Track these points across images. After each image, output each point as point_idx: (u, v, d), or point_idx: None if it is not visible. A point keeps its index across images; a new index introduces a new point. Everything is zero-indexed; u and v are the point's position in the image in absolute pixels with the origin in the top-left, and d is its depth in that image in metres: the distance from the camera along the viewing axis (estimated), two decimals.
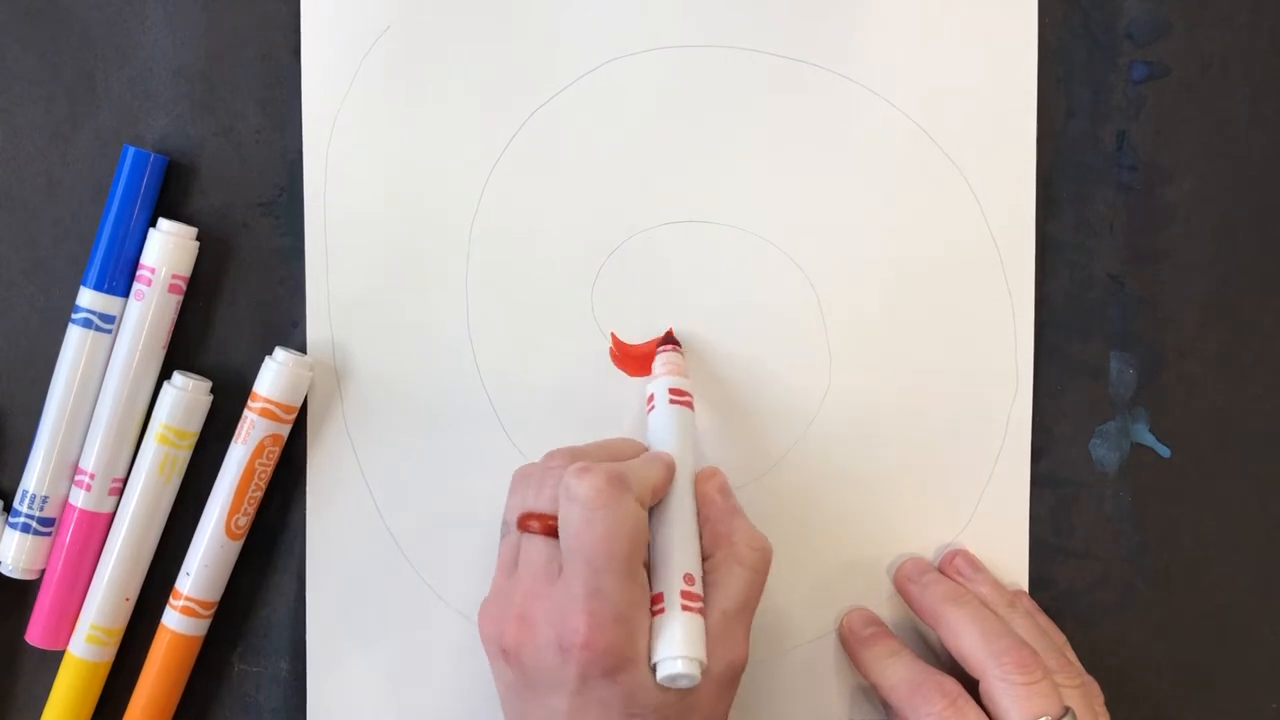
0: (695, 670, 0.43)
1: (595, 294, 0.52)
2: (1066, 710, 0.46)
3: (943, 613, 0.49)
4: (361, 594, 0.52)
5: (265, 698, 0.53)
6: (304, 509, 0.52)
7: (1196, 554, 0.53)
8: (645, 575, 0.44)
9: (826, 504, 0.52)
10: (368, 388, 0.52)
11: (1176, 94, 0.53)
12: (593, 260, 0.52)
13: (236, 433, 0.50)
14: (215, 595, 0.51)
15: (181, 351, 0.52)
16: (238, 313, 0.52)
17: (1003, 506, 0.53)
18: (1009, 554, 0.53)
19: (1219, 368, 0.53)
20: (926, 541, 0.53)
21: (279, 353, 0.50)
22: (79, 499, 0.50)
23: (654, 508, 0.46)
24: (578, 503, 0.43)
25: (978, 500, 0.53)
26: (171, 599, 0.50)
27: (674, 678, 0.43)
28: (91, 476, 0.50)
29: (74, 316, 0.50)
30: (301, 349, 0.52)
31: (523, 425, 0.52)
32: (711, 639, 0.44)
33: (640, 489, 0.44)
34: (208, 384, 0.51)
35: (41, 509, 0.50)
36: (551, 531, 0.44)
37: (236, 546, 0.50)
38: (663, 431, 0.48)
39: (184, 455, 0.50)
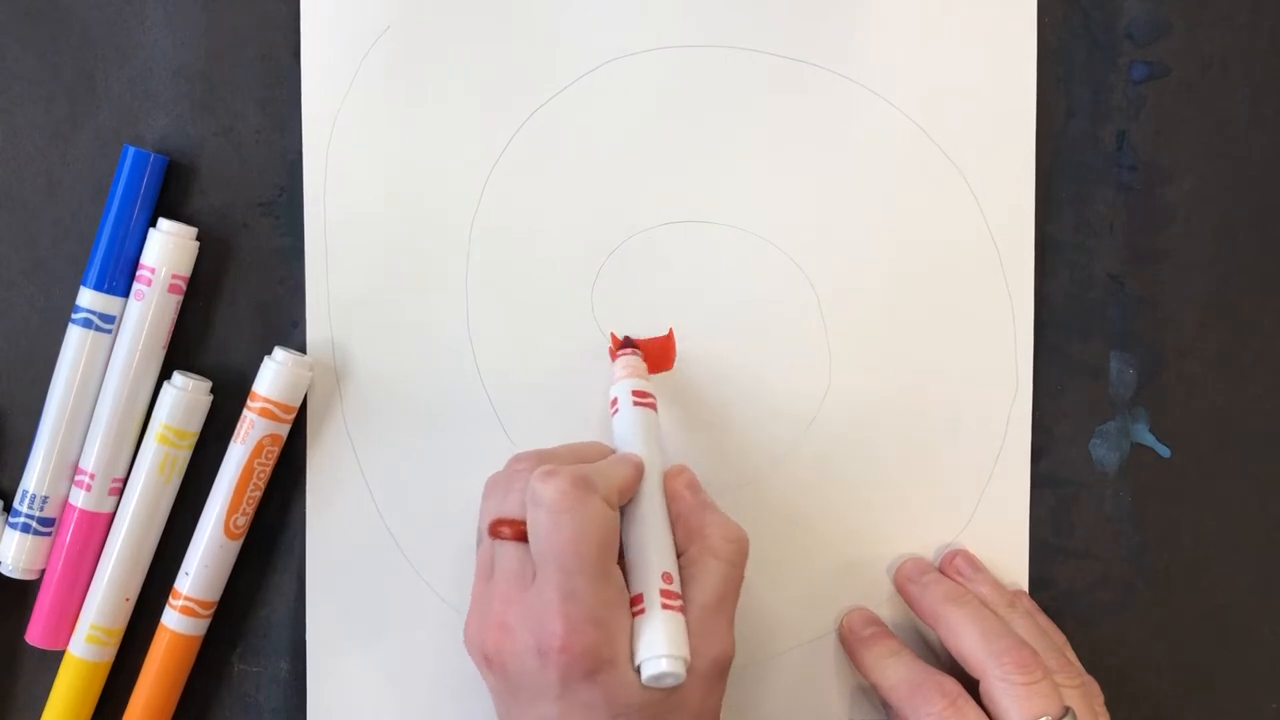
0: (680, 668, 0.43)
1: (595, 294, 0.52)
2: (1066, 710, 0.46)
3: (943, 613, 0.49)
4: (361, 594, 0.52)
5: (265, 698, 0.53)
6: (304, 509, 0.52)
7: (1196, 554, 0.53)
8: (620, 575, 0.44)
9: (826, 504, 0.52)
10: (368, 388, 0.52)
11: (1176, 94, 0.53)
12: (593, 260, 0.52)
13: (235, 432, 0.50)
14: (215, 595, 0.51)
15: (181, 351, 0.52)
16: (238, 313, 0.52)
17: (1003, 506, 0.53)
18: (1009, 554, 0.53)
19: (1219, 368, 0.53)
20: (926, 541, 0.53)
21: (278, 352, 0.50)
22: (79, 499, 0.50)
23: (626, 509, 0.46)
24: (544, 507, 0.43)
25: (978, 500, 0.53)
26: (171, 599, 0.50)
27: (659, 677, 0.43)
28: (91, 476, 0.50)
29: (74, 316, 0.50)
30: (301, 349, 0.52)
31: (523, 425, 0.52)
32: (693, 635, 0.44)
33: (607, 489, 0.44)
34: (208, 384, 0.51)
35: (41, 509, 0.50)
36: (522, 536, 0.44)
37: (236, 546, 0.50)
38: (628, 433, 0.48)
39: (184, 455, 0.50)
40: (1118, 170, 0.53)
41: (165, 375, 0.51)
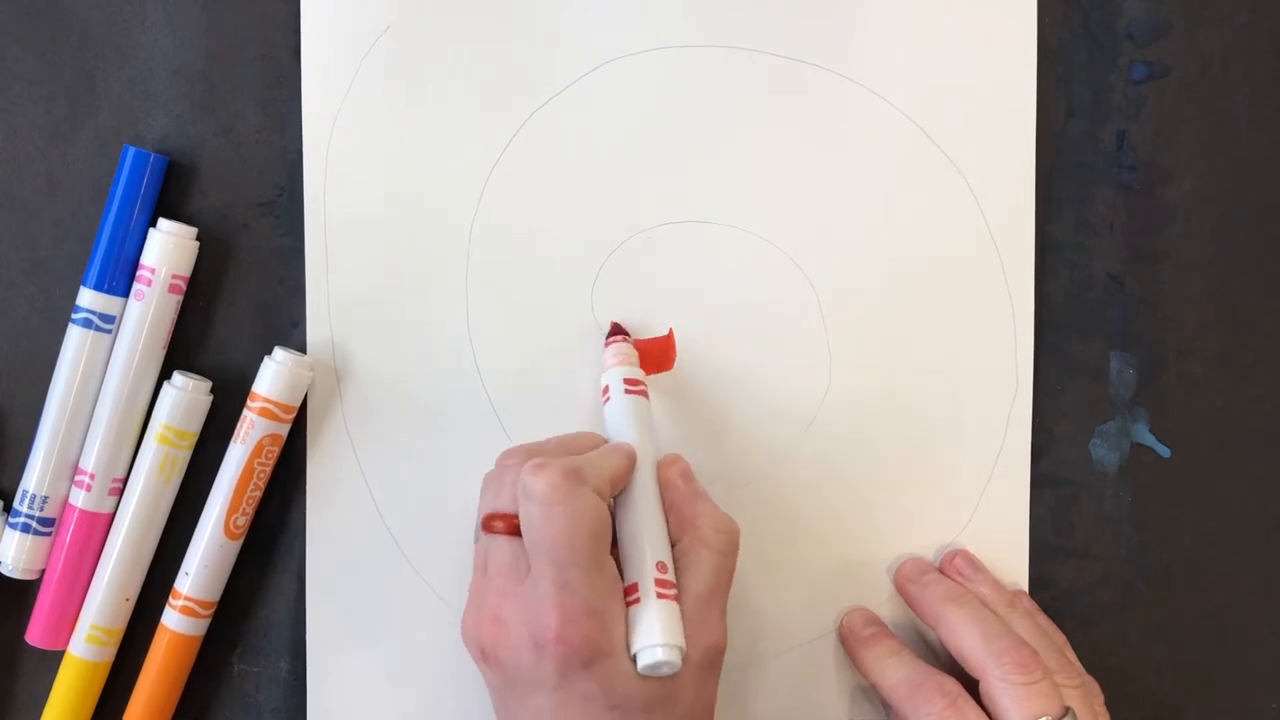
0: (676, 657, 0.43)
1: (595, 294, 0.52)
2: (1067, 710, 0.46)
3: (943, 613, 0.49)
4: (361, 594, 0.52)
5: (265, 698, 0.53)
6: (304, 509, 0.52)
7: (1196, 554, 0.53)
8: (614, 566, 0.44)
9: (826, 504, 0.52)
10: (368, 388, 0.52)
11: (1176, 94, 0.53)
12: (593, 260, 0.52)
13: (235, 432, 0.50)
14: (215, 595, 0.51)
15: (181, 351, 0.52)
16: (238, 313, 0.52)
17: (1003, 506, 0.53)
18: (1009, 554, 0.53)
19: (1219, 368, 0.53)
20: (926, 541, 0.53)
21: (278, 352, 0.50)
22: (79, 499, 0.50)
23: (619, 498, 0.46)
24: (535, 500, 0.43)
25: (978, 500, 0.53)
26: (171, 599, 0.50)
27: (655, 666, 0.43)
28: (91, 476, 0.50)
29: (74, 316, 0.50)
30: (301, 349, 0.52)
31: (523, 425, 0.52)
32: (687, 624, 0.44)
33: (597, 480, 0.44)
34: (208, 384, 0.51)
35: (41, 509, 0.50)
36: (515, 530, 0.45)
37: (236, 546, 0.50)
38: (620, 422, 0.48)
39: (184, 455, 0.50)
40: (1118, 170, 0.53)
41: (165, 375, 0.51)
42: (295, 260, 0.52)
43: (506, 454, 0.47)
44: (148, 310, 0.50)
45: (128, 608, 0.51)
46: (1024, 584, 0.53)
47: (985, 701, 0.47)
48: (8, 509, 0.51)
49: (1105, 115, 0.53)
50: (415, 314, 0.52)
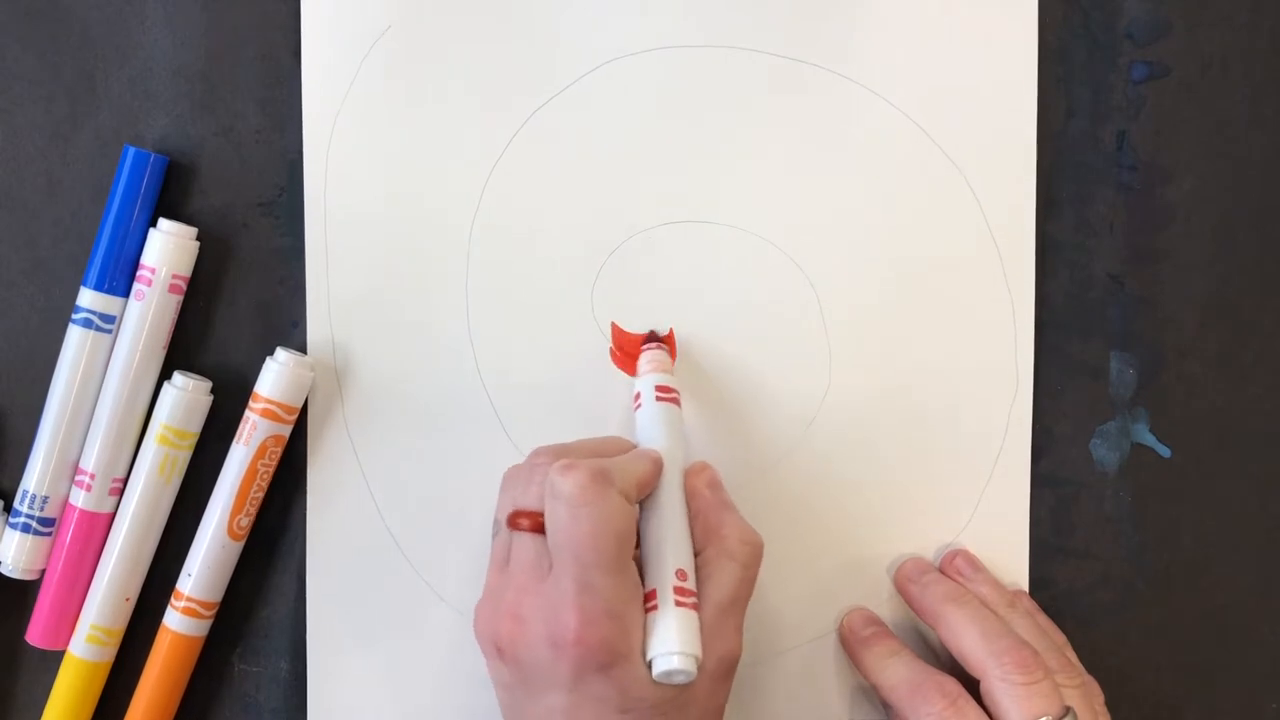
0: (691, 665, 0.43)
1: (595, 294, 0.52)
2: (1067, 710, 0.46)
3: (943, 613, 0.49)
4: (361, 594, 0.52)
5: (265, 698, 0.53)
6: (304, 509, 0.52)
7: (1196, 554, 0.53)
8: (636, 570, 0.44)
9: (826, 504, 0.52)
10: (368, 388, 0.52)
11: (1176, 94, 0.53)
12: (593, 260, 0.52)
13: (238, 434, 0.50)
14: (217, 596, 0.51)
15: (181, 351, 0.52)
16: (238, 313, 0.52)
17: (1003, 506, 0.53)
18: (1009, 554, 0.53)
19: (1219, 368, 0.53)
20: (926, 541, 0.53)
21: (280, 353, 0.50)
22: (79, 499, 0.50)
23: (644, 503, 0.46)
24: (562, 500, 0.43)
25: (978, 500, 0.53)
26: (173, 600, 0.50)
27: (670, 673, 0.43)
28: (92, 476, 0.50)
29: (74, 316, 0.50)
30: (302, 349, 0.52)
31: (523, 425, 0.52)
32: (705, 634, 0.44)
33: (625, 484, 0.44)
34: (208, 384, 0.51)
35: (41, 509, 0.50)
36: (540, 528, 0.45)
37: (238, 547, 0.50)
38: (650, 428, 0.48)
39: (184, 455, 0.50)
40: (1118, 170, 0.53)
41: (165, 375, 0.51)
42: (295, 260, 0.52)
43: (536, 452, 0.47)
44: (148, 310, 0.50)
45: (128, 608, 0.51)
46: (1024, 584, 0.53)
47: (985, 701, 0.47)
48: (8, 509, 0.51)
49: (1105, 115, 0.53)
50: (415, 314, 0.52)
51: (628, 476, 0.45)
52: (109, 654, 0.51)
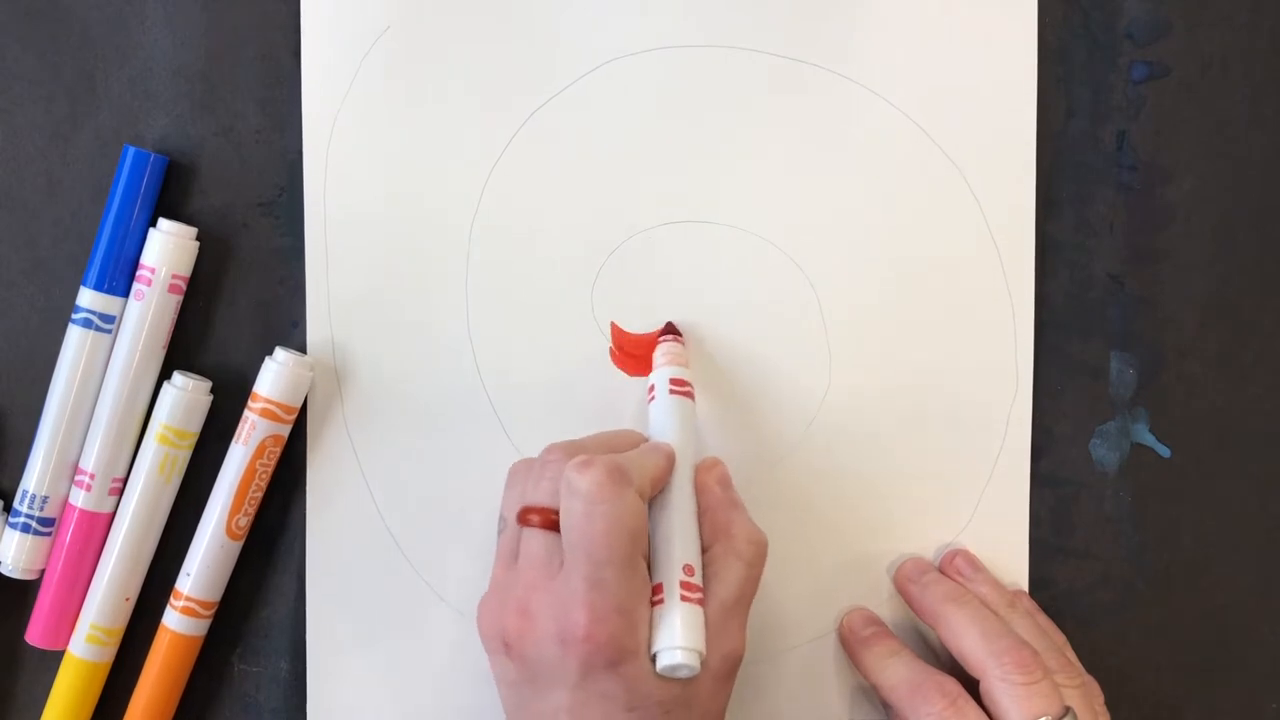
0: (695, 661, 0.43)
1: (595, 294, 0.52)
2: (1067, 710, 0.46)
3: (943, 613, 0.49)
4: (361, 594, 0.52)
5: (265, 698, 0.53)
6: (304, 509, 0.52)
7: (1196, 554, 0.53)
8: (645, 567, 0.44)
9: (827, 504, 0.52)
10: (368, 388, 0.52)
11: (1176, 94, 0.53)
12: (593, 260, 0.52)
13: (237, 433, 0.50)
14: (216, 595, 0.51)
15: (181, 351, 0.52)
16: (238, 313, 0.52)
17: (1003, 506, 0.53)
18: (1009, 554, 0.53)
19: (1219, 368, 0.53)
20: (926, 541, 0.53)
21: (279, 353, 0.50)
22: (79, 499, 0.50)
23: (654, 498, 0.46)
24: (579, 497, 0.43)
25: (978, 500, 0.53)
26: (172, 599, 0.50)
27: (674, 668, 0.43)
28: (91, 476, 0.50)
29: (74, 316, 0.50)
30: (301, 349, 0.52)
31: (523, 425, 0.52)
32: (709, 631, 0.44)
33: (640, 481, 0.44)
34: (208, 384, 0.51)
35: (41, 509, 0.50)
36: (551, 525, 0.44)
37: (237, 547, 0.50)
38: (663, 422, 0.48)
39: (184, 455, 0.50)
40: (1118, 170, 0.53)
41: (165, 375, 0.51)
42: (295, 260, 0.52)
43: (549, 449, 0.47)
44: (148, 310, 0.50)
45: (128, 608, 0.51)
46: (1024, 584, 0.53)
47: (985, 701, 0.47)
48: (8, 509, 0.51)
49: (1105, 115, 0.53)
50: (415, 314, 0.52)
51: (643, 473, 0.45)
52: (109, 654, 0.51)
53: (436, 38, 0.51)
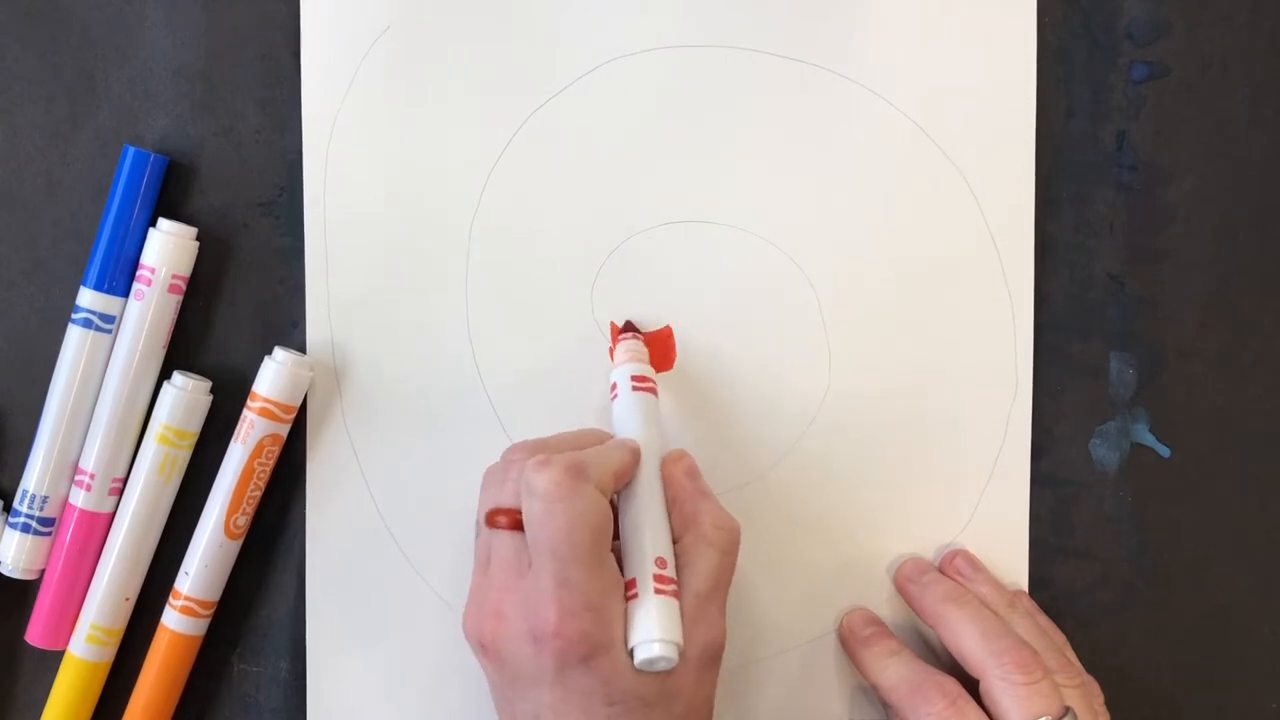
0: (672, 652, 0.43)
1: (595, 294, 0.52)
2: (1067, 710, 0.46)
3: (943, 613, 0.49)
4: (361, 594, 0.52)
5: (265, 698, 0.53)
6: (304, 509, 0.52)
7: (1196, 554, 0.53)
8: (614, 562, 0.44)
9: (826, 504, 0.52)
10: (367, 387, 0.52)
11: (1176, 94, 0.53)
12: (593, 260, 0.52)
13: (235, 432, 0.50)
14: (215, 595, 0.51)
15: (181, 351, 0.52)
16: (238, 313, 0.52)
17: (1003, 506, 0.53)
18: (1009, 554, 0.53)
19: (1219, 368, 0.53)
20: (926, 541, 0.53)
21: (278, 352, 0.50)
22: (79, 499, 0.50)
23: (623, 493, 0.46)
24: (537, 496, 0.43)
25: (978, 500, 0.53)
26: (171, 599, 0.50)
27: (651, 661, 0.43)
28: (91, 476, 0.50)
29: (74, 316, 0.50)
30: (301, 349, 0.52)
31: (522, 425, 0.52)
32: (686, 621, 0.44)
33: (600, 476, 0.44)
34: (207, 384, 0.51)
35: (41, 509, 0.50)
36: (518, 525, 0.45)
37: (236, 546, 0.50)
38: (627, 418, 0.48)
39: (184, 455, 0.50)
40: (1118, 170, 0.53)
41: (165, 375, 0.51)
42: (295, 260, 0.52)
43: (512, 449, 0.47)
44: (148, 310, 0.50)
45: (128, 607, 0.51)
46: (1024, 584, 0.53)
47: (985, 701, 0.47)
48: (8, 509, 0.51)
49: (1105, 115, 0.53)
50: (415, 314, 0.52)
51: (604, 468, 0.45)
52: (109, 654, 0.51)
53: (436, 38, 0.51)
